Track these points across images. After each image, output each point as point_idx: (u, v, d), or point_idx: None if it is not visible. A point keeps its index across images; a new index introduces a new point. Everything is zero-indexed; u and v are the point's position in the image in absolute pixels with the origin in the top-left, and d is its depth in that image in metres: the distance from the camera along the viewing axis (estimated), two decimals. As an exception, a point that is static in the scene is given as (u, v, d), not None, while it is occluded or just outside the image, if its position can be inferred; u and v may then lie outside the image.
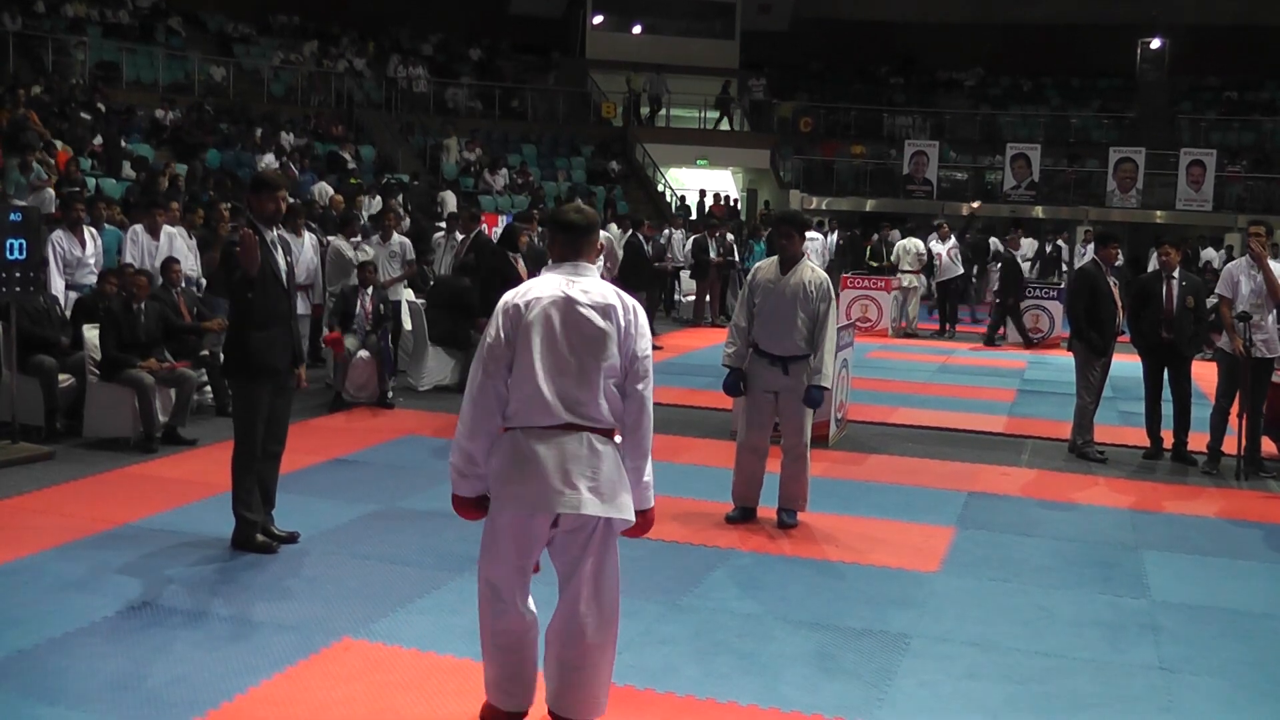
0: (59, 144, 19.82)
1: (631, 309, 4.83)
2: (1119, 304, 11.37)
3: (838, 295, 23.74)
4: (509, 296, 4.80)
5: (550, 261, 4.92)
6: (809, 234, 21.78)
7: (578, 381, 4.69)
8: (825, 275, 8.40)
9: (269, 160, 24.39)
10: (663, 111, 38.79)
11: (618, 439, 4.79)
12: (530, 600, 4.91)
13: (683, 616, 6.60)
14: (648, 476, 4.84)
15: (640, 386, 4.78)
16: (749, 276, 8.63)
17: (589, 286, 4.79)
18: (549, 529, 4.76)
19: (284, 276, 7.64)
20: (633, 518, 4.76)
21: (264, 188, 7.66)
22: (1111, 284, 11.40)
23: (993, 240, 26.89)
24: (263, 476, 7.86)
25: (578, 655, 4.81)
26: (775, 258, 8.54)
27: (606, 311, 4.73)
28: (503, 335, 4.71)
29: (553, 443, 4.65)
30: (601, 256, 19.74)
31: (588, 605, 4.77)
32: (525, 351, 4.67)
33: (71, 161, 18.65)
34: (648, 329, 4.88)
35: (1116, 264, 11.68)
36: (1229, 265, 11.22)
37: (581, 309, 4.71)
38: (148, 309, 10.80)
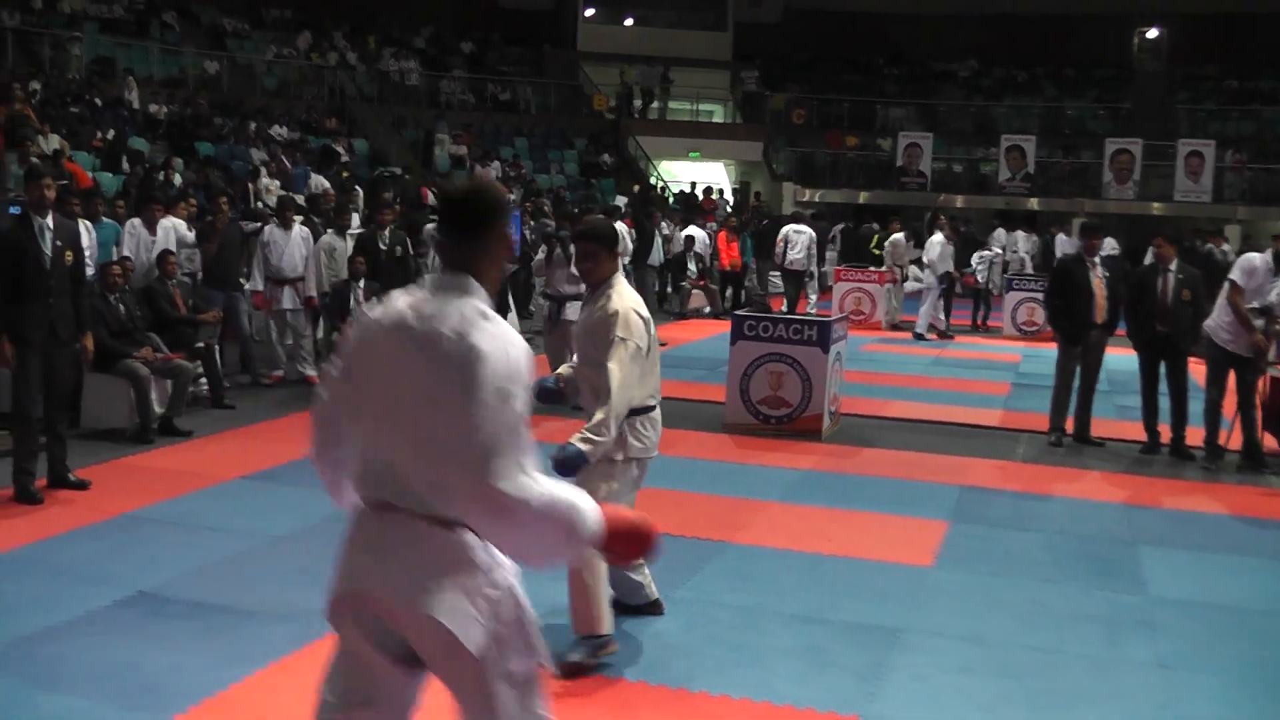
0: (59, 143, 19.74)
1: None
2: (1097, 294, 11.37)
3: (828, 289, 24.02)
4: None
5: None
6: (797, 227, 21.81)
7: None
8: (619, 305, 5.74)
9: (258, 155, 24.41)
10: (656, 104, 38.83)
11: None
12: None
13: (676, 610, 6.61)
14: None
15: None
16: None
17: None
18: None
19: (48, 260, 8.42)
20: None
21: (31, 177, 8.74)
22: (1098, 275, 11.40)
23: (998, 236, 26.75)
24: (52, 431, 8.68)
25: None
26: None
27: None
28: None
29: None
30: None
31: None
32: None
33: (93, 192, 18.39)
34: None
35: (1110, 254, 11.67)
36: (1249, 255, 11.02)
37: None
38: (126, 298, 10.85)
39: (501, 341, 3.17)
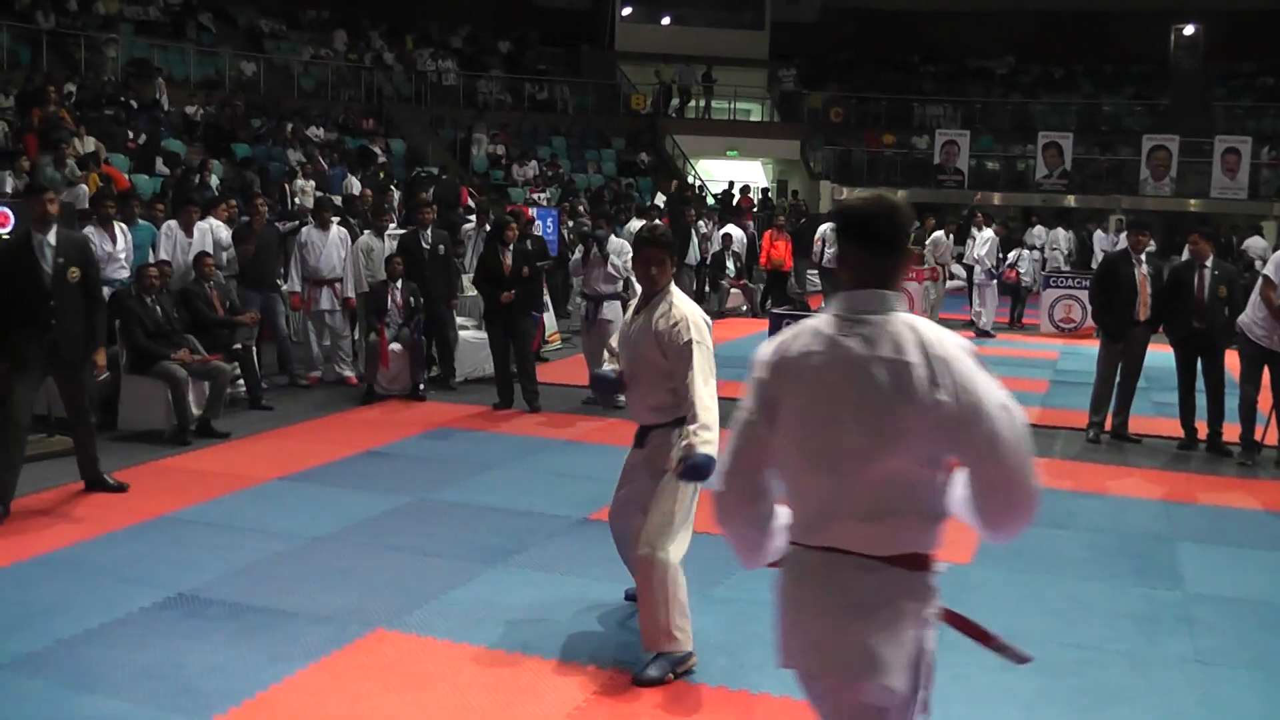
0: (94, 145, 19.84)
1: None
2: (1141, 291, 11.31)
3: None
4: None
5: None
6: (834, 226, 21.73)
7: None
8: (685, 312, 5.77)
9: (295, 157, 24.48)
10: (701, 103, 38.90)
11: None
12: None
13: (715, 608, 6.61)
14: None
15: None
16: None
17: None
18: None
19: (47, 279, 8.12)
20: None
21: (31, 191, 8.34)
22: (1142, 273, 11.34)
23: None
24: (78, 442, 8.64)
25: None
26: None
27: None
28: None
29: None
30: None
31: None
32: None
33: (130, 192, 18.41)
34: None
35: (1149, 251, 11.62)
36: None
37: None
38: (163, 300, 10.90)
39: (960, 344, 3.17)
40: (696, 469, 5.41)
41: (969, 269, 21.59)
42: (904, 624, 3.14)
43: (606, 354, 6.44)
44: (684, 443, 5.50)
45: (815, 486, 3.20)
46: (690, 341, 5.66)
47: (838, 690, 3.22)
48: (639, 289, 6.01)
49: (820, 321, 3.25)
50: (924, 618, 3.19)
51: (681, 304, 5.82)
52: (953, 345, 3.13)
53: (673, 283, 5.99)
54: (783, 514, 3.33)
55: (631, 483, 6.10)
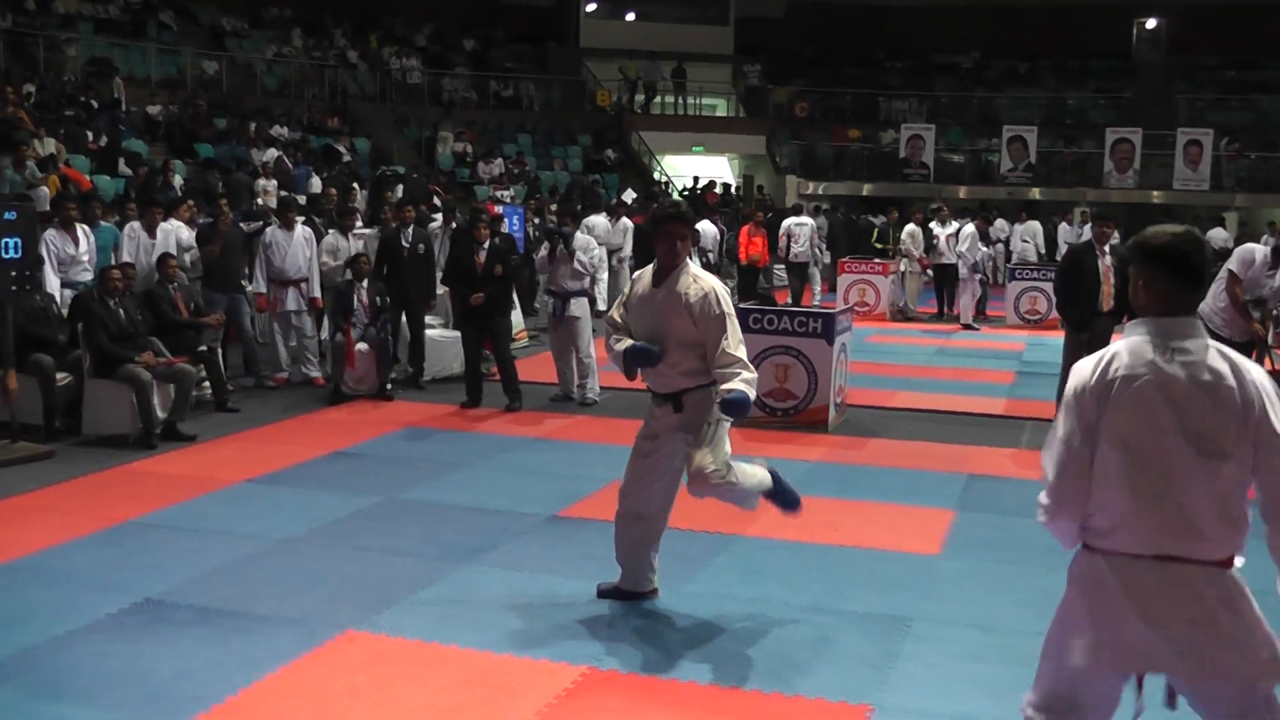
0: (54, 146, 19.67)
1: None
2: (1105, 282, 11.36)
3: (827, 281, 23.93)
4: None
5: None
6: (799, 220, 21.80)
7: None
8: (711, 283, 6.26)
9: (271, 154, 24.29)
10: (667, 98, 38.88)
11: None
12: None
13: (686, 603, 6.61)
14: None
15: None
16: (628, 287, 6.76)
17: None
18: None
19: None
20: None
21: None
22: (1106, 264, 11.39)
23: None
24: None
25: None
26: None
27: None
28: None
29: None
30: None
31: None
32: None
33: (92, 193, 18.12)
34: None
35: (1113, 242, 11.68)
36: (1249, 245, 11.02)
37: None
38: (126, 302, 10.81)
39: (1263, 371, 3.60)
40: (736, 404, 6.01)
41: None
42: (1259, 615, 3.69)
43: (611, 326, 6.67)
44: (725, 385, 6.03)
45: (1145, 501, 3.57)
46: (723, 314, 6.16)
47: (1223, 686, 3.66)
48: (603, 292, 6.23)
49: (1134, 345, 3.61)
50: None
51: (704, 276, 6.33)
52: (1260, 372, 3.58)
53: (689, 260, 6.44)
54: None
55: (653, 454, 6.47)
